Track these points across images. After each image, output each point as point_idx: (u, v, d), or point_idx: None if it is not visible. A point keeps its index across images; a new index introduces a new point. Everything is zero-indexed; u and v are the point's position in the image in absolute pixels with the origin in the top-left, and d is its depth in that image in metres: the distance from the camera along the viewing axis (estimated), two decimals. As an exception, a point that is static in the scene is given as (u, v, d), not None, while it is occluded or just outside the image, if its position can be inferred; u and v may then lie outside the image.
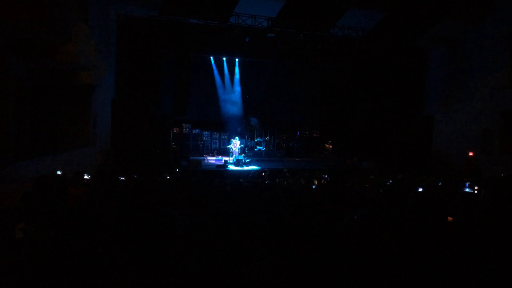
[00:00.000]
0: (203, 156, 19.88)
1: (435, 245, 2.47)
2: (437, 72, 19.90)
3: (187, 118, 20.53)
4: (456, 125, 18.63)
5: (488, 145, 16.60)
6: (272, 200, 5.48)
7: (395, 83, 19.92)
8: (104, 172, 13.90)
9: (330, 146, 22.53)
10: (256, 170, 16.10)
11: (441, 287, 2.23)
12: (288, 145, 22.53)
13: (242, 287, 2.22)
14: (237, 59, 20.76)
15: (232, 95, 21.32)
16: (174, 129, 20.25)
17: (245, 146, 20.33)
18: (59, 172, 8.28)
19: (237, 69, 21.03)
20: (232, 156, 18.11)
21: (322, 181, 9.69)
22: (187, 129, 20.63)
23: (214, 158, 19.77)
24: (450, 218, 3.29)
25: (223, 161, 18.08)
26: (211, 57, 20.41)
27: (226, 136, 21.20)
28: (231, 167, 17.02)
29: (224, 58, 20.61)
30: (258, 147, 21.44)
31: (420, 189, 6.70)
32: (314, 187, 8.86)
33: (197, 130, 20.84)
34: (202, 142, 20.81)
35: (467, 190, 7.65)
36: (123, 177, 9.93)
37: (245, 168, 16.92)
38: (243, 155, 18.36)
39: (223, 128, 21.29)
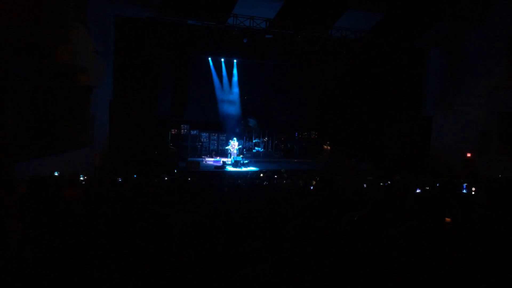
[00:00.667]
0: (201, 157, 19.89)
1: (433, 246, 2.47)
2: (435, 73, 19.93)
3: (185, 119, 20.54)
4: (454, 126, 18.65)
5: (486, 146, 16.62)
6: (270, 201, 5.47)
7: (393, 84, 19.92)
8: (102, 173, 13.89)
9: (329, 147, 22.54)
10: (254, 171, 16.11)
11: (440, 287, 2.23)
12: (286, 146, 22.54)
13: (240, 288, 2.22)
14: (235, 60, 20.77)
15: (230, 96, 21.33)
16: (172, 130, 20.23)
17: (243, 147, 20.35)
18: (56, 173, 8.29)
19: (235, 70, 21.05)
20: (230, 157, 18.11)
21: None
22: (185, 130, 20.61)
23: (212, 159, 19.77)
24: (447, 219, 3.30)
25: (221, 162, 18.07)
26: (209, 58, 20.42)
27: (224, 137, 21.17)
28: (229, 168, 17.02)
29: (222, 59, 20.62)
30: (256, 148, 21.44)
31: (418, 190, 6.72)
32: (312, 188, 8.86)
33: (195, 131, 20.81)
34: (200, 143, 20.80)
35: (464, 191, 7.64)
36: (121, 178, 9.93)
37: (243, 169, 16.92)
38: (241, 156, 18.36)
39: (222, 129, 21.29)
